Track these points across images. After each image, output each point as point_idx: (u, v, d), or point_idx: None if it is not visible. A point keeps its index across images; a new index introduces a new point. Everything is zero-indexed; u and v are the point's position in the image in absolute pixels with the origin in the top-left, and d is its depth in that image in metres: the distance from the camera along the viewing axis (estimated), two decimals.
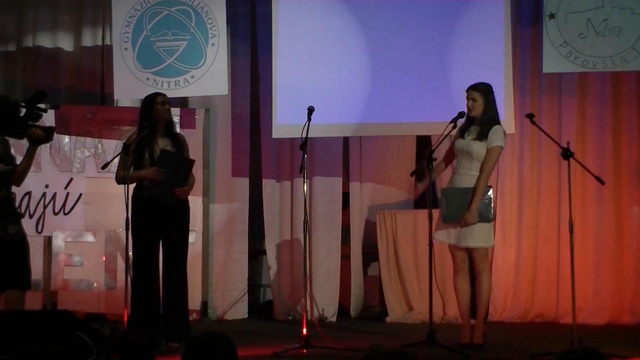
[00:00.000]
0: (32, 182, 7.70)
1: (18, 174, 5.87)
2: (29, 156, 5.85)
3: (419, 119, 7.68)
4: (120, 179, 6.29)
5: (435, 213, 6.27)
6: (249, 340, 6.39)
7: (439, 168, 6.55)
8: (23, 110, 5.82)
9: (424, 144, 7.94)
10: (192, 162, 6.43)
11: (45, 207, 7.80)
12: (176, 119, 8.06)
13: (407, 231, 8.02)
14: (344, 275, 8.28)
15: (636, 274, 7.78)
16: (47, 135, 5.79)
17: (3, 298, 5.87)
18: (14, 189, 6.01)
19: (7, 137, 5.90)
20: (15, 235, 5.78)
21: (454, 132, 6.36)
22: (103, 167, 6.98)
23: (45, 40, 8.63)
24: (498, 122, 6.33)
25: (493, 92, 6.39)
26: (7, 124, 5.70)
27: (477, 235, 6.19)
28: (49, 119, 7.66)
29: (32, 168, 7.57)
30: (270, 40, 7.90)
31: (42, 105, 5.87)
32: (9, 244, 5.74)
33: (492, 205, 6.22)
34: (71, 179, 7.88)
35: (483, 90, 6.36)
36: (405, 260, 8.01)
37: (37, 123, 5.75)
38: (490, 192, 6.27)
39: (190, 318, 7.92)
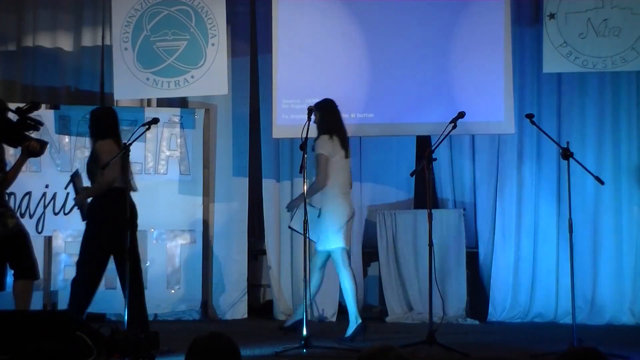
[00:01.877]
0: (32, 182, 7.71)
1: (8, 182, 5.94)
2: (19, 166, 5.95)
3: (419, 119, 7.68)
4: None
5: (436, 213, 6.27)
6: (249, 340, 6.38)
7: None
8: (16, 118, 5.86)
9: (424, 144, 7.94)
10: (75, 175, 6.49)
11: (45, 207, 7.80)
12: (176, 119, 8.07)
13: (407, 231, 8.01)
14: None
15: (636, 274, 7.78)
16: (41, 149, 5.87)
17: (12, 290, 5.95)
18: (13, 188, 6.05)
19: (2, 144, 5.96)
20: (14, 228, 5.84)
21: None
22: (103, 167, 6.98)
23: (45, 40, 8.63)
24: (327, 132, 6.53)
25: (329, 106, 6.66)
26: (4, 130, 5.73)
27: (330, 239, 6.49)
28: (48, 119, 7.68)
29: (32, 168, 7.64)
30: (270, 40, 7.91)
31: (36, 118, 5.93)
32: (11, 237, 5.80)
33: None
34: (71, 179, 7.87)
35: (318, 107, 6.64)
36: (405, 260, 8.01)
37: (31, 134, 5.81)
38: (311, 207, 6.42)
39: (191, 318, 7.97)
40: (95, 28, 8.64)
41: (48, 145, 6.27)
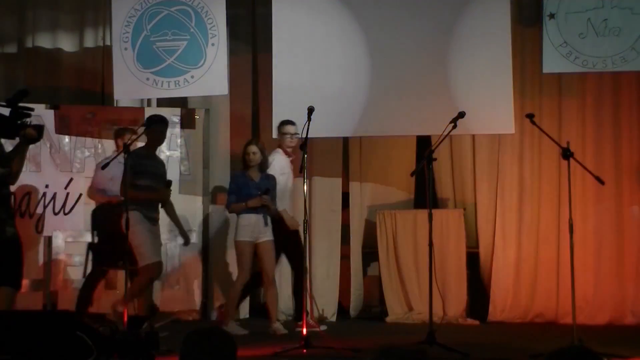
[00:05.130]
0: (32, 182, 7.70)
1: (14, 175, 5.86)
2: (22, 155, 5.84)
3: (419, 119, 7.68)
4: None
5: (436, 213, 6.27)
6: (249, 340, 6.39)
7: None
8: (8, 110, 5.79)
9: (424, 144, 7.94)
10: None
11: (45, 207, 7.80)
12: (176, 119, 8.07)
13: (407, 231, 8.01)
14: (344, 275, 8.28)
15: (636, 273, 7.78)
16: (39, 134, 5.79)
17: None
18: (12, 188, 6.01)
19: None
20: (11, 237, 5.77)
21: None
22: (103, 167, 6.99)
23: (45, 41, 8.64)
24: None
25: None
26: None
27: None
28: (47, 119, 7.68)
29: (32, 168, 7.63)
30: (270, 40, 7.90)
31: (28, 105, 5.84)
32: (6, 244, 5.73)
33: None
34: (71, 179, 7.88)
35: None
36: (405, 260, 8.01)
37: (26, 121, 5.71)
38: None
39: (190, 318, 7.96)
40: (95, 28, 8.65)
41: (44, 129, 6.18)
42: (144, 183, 6.72)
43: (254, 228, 6.93)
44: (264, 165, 7.12)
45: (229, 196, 7.08)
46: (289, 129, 7.42)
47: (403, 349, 2.69)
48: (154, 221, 6.81)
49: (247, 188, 6.98)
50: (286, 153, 7.48)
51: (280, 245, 7.18)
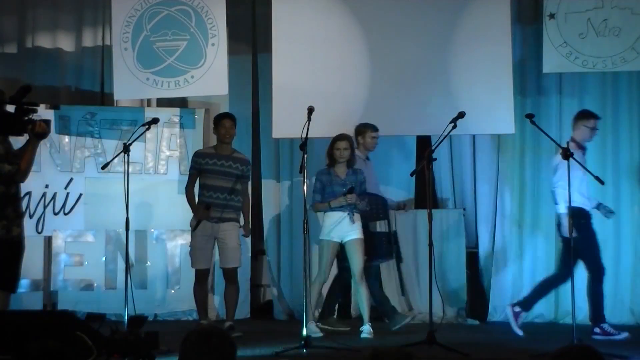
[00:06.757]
0: (32, 182, 7.66)
1: (23, 172, 5.79)
2: (32, 151, 5.74)
3: (419, 119, 7.68)
4: None
5: (436, 213, 6.27)
6: (249, 340, 6.39)
7: None
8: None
9: (424, 144, 7.94)
10: None
11: (45, 207, 7.80)
12: (176, 119, 8.07)
13: (407, 231, 8.01)
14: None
15: (635, 274, 7.78)
16: (48, 127, 5.76)
17: None
18: None
19: (6, 136, 5.86)
20: (16, 238, 5.75)
21: None
22: (103, 167, 7.00)
23: (45, 41, 8.64)
24: None
25: None
26: (4, 122, 5.63)
27: None
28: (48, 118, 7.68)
29: (32, 168, 7.59)
30: (270, 40, 7.90)
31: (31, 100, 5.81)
32: (9, 245, 5.72)
33: None
34: (71, 179, 7.88)
35: None
36: (405, 260, 8.00)
37: (32, 117, 5.68)
38: None
39: (191, 318, 7.97)
40: (95, 28, 8.65)
41: (49, 136, 6.18)
42: (204, 182, 6.98)
43: (339, 227, 6.83)
44: (351, 161, 6.98)
45: (313, 195, 6.94)
46: (592, 122, 6.97)
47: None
48: (217, 220, 6.91)
49: (332, 186, 6.91)
50: (580, 148, 6.87)
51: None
